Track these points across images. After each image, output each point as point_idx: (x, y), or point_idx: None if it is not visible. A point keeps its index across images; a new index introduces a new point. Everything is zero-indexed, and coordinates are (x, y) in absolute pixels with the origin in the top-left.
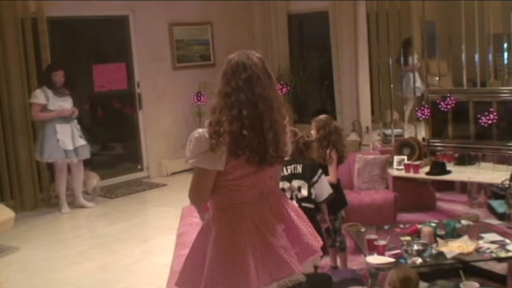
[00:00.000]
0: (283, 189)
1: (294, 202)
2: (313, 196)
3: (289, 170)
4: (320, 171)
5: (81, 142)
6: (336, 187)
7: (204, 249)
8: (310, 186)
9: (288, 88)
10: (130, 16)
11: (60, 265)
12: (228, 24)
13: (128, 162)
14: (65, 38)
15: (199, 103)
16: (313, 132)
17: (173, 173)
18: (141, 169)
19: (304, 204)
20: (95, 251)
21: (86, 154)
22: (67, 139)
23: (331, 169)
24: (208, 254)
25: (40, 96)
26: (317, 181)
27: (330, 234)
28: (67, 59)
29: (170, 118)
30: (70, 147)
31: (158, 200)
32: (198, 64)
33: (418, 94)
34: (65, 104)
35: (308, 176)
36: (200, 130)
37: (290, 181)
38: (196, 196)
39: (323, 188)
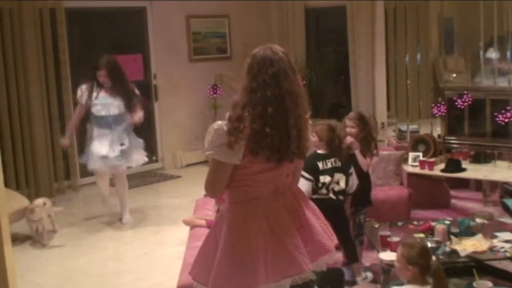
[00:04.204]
0: (324, 184)
1: (331, 195)
2: (347, 188)
3: (329, 164)
4: (351, 163)
5: (116, 152)
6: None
7: (217, 241)
8: (347, 178)
9: (304, 82)
10: (148, 8)
11: (73, 254)
12: (245, 17)
13: None
14: (83, 29)
15: (214, 95)
16: (352, 129)
17: (188, 165)
18: (156, 161)
19: (340, 197)
20: (108, 240)
21: (118, 164)
22: (102, 145)
23: (368, 161)
24: (219, 247)
25: (79, 92)
26: (352, 173)
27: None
28: (84, 50)
29: (186, 110)
30: (104, 153)
31: (172, 191)
32: (215, 57)
33: None
34: (111, 105)
35: (347, 169)
36: (219, 122)
37: (332, 175)
38: (211, 188)
39: (354, 179)
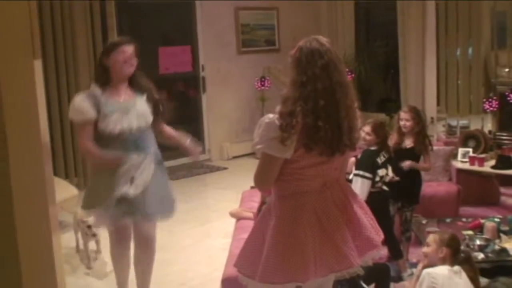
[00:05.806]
0: (381, 177)
1: (384, 186)
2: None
3: (382, 158)
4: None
5: (131, 190)
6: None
7: (263, 234)
8: (393, 167)
9: (353, 75)
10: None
11: None
12: (294, 10)
13: None
14: (132, 21)
15: (262, 88)
16: (407, 122)
17: (234, 157)
18: (203, 152)
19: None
20: None
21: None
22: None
23: (428, 164)
24: (267, 240)
25: (79, 104)
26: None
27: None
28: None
29: (233, 102)
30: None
31: (219, 183)
32: (263, 49)
33: None
34: (135, 113)
35: (392, 158)
36: (270, 115)
37: (386, 167)
38: (261, 182)
39: None
